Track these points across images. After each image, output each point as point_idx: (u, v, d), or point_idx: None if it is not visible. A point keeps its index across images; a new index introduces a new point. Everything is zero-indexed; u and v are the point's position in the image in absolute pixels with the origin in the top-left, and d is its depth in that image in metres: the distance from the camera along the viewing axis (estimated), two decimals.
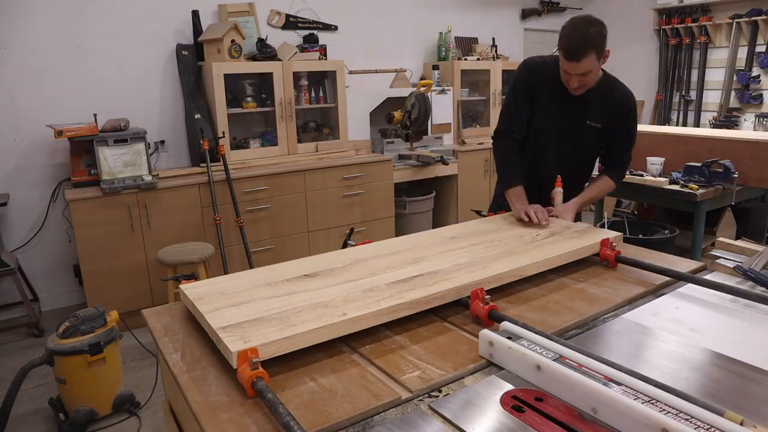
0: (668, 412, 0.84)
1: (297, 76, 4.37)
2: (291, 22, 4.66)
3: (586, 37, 1.91)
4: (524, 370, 1.04)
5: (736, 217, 4.20)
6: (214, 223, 3.73)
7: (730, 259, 1.63)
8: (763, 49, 5.36)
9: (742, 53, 5.50)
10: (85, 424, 2.56)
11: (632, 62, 6.39)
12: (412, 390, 1.02)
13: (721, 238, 1.73)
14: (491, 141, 2.29)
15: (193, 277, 1.50)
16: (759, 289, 1.41)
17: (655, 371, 1.05)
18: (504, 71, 5.57)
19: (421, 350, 1.17)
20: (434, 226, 3.94)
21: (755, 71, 5.43)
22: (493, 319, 1.24)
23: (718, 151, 3.59)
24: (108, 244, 3.48)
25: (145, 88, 4.14)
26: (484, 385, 1.03)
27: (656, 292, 1.48)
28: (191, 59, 4.18)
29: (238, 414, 0.96)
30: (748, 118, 5.52)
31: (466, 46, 5.65)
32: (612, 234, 1.74)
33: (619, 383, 0.93)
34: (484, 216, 2.20)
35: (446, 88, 5.16)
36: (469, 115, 5.68)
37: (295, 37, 4.69)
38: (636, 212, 5.02)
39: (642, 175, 3.73)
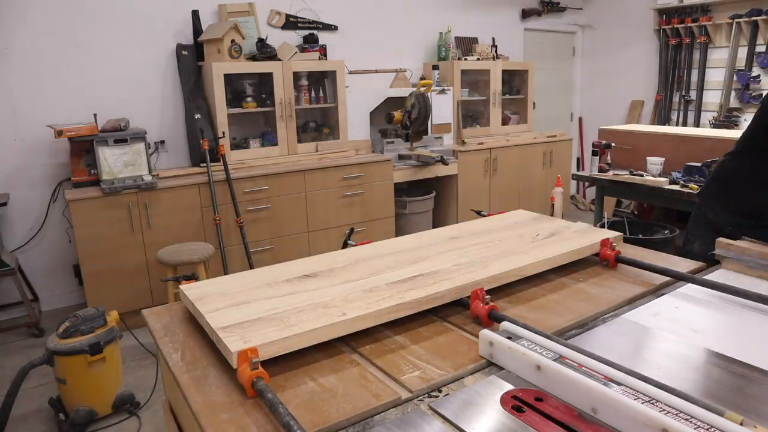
0: (668, 412, 0.84)
1: (297, 76, 4.37)
2: (291, 22, 4.66)
3: None
4: (524, 370, 1.04)
5: None
6: (214, 223, 3.73)
7: (732, 259, 1.63)
8: (763, 49, 5.37)
9: (742, 53, 5.50)
10: (85, 424, 2.56)
11: (632, 62, 6.40)
12: (412, 390, 1.02)
13: (720, 238, 1.73)
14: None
15: (193, 277, 1.51)
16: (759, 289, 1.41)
17: (655, 371, 1.05)
18: (504, 71, 5.57)
19: (421, 350, 1.17)
20: (434, 226, 3.94)
21: (755, 71, 5.43)
22: (493, 319, 1.24)
23: (718, 151, 3.58)
24: (108, 244, 3.48)
25: (145, 88, 4.14)
26: (484, 385, 1.03)
27: (656, 292, 1.48)
28: (191, 59, 4.18)
29: (238, 414, 0.96)
30: (748, 118, 5.50)
31: (466, 46, 5.65)
32: (612, 234, 1.74)
33: (619, 383, 0.93)
34: (484, 216, 2.20)
35: (446, 88, 5.16)
36: (469, 115, 5.68)
37: (295, 37, 4.69)
38: (636, 212, 5.02)
39: (642, 175, 3.73)
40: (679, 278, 1.50)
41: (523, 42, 6.38)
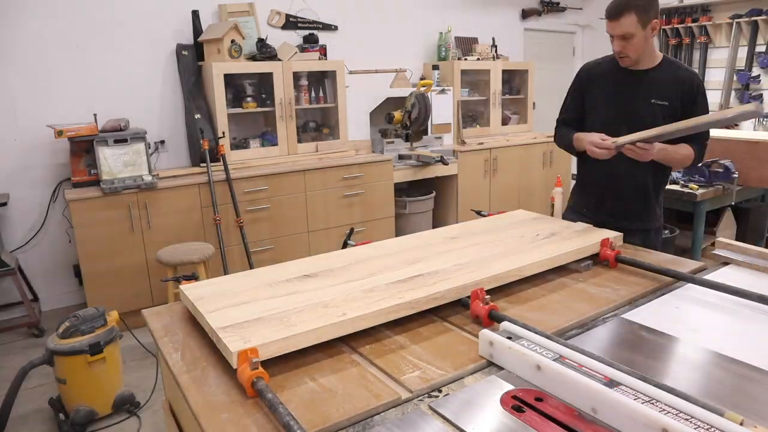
0: (668, 412, 0.84)
1: (297, 76, 4.37)
2: (291, 22, 4.66)
3: None
4: (524, 370, 1.04)
5: (736, 217, 4.20)
6: (214, 223, 3.73)
7: (734, 259, 1.63)
8: (763, 49, 5.37)
9: (742, 53, 5.50)
10: (85, 424, 2.56)
11: None
12: (412, 390, 1.02)
13: (720, 238, 1.73)
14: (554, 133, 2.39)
15: (193, 277, 1.51)
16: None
17: (656, 371, 1.05)
18: (504, 71, 5.57)
19: (421, 350, 1.17)
20: (434, 226, 3.94)
21: (755, 71, 5.43)
22: (493, 319, 1.24)
23: (718, 151, 3.59)
24: (108, 244, 3.48)
25: (145, 88, 4.14)
26: (484, 385, 1.03)
27: (656, 292, 1.48)
28: (191, 59, 4.18)
29: (238, 414, 0.96)
30: None
31: (466, 46, 5.65)
32: (612, 234, 1.74)
33: (619, 383, 0.93)
34: (484, 216, 2.20)
35: (446, 88, 5.16)
36: (469, 115, 5.68)
37: (295, 37, 4.69)
38: None
39: None
40: (679, 278, 1.50)
41: (523, 42, 6.38)
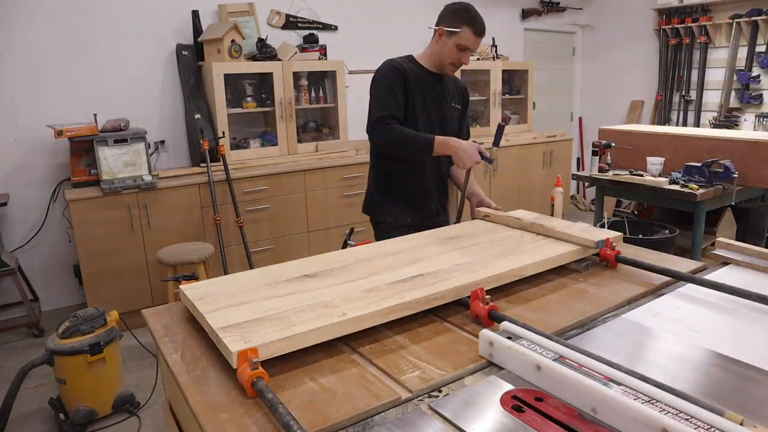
0: (668, 412, 0.84)
1: (297, 76, 4.37)
2: (291, 22, 4.66)
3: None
4: (524, 370, 1.04)
5: (736, 217, 4.20)
6: (214, 223, 3.73)
7: (734, 259, 1.63)
8: (763, 49, 5.37)
9: (742, 53, 5.50)
10: (85, 424, 2.56)
11: (632, 62, 6.40)
12: (412, 390, 1.02)
13: (720, 238, 1.73)
14: (371, 133, 2.44)
15: (193, 277, 1.51)
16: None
17: (655, 371, 1.05)
18: (504, 71, 5.57)
19: (421, 350, 1.17)
20: None
21: (755, 71, 5.43)
22: (493, 319, 1.24)
23: (718, 151, 3.59)
24: (108, 244, 3.48)
25: (145, 88, 4.14)
26: (484, 385, 1.03)
27: (656, 292, 1.48)
28: (191, 59, 4.18)
29: (238, 414, 0.96)
30: (748, 118, 5.52)
31: None
32: (612, 234, 1.74)
33: (619, 383, 0.93)
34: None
35: None
36: (469, 115, 5.67)
37: (295, 37, 4.69)
38: (636, 212, 5.02)
39: (642, 175, 3.73)
40: (679, 278, 1.50)
41: (523, 42, 6.38)
